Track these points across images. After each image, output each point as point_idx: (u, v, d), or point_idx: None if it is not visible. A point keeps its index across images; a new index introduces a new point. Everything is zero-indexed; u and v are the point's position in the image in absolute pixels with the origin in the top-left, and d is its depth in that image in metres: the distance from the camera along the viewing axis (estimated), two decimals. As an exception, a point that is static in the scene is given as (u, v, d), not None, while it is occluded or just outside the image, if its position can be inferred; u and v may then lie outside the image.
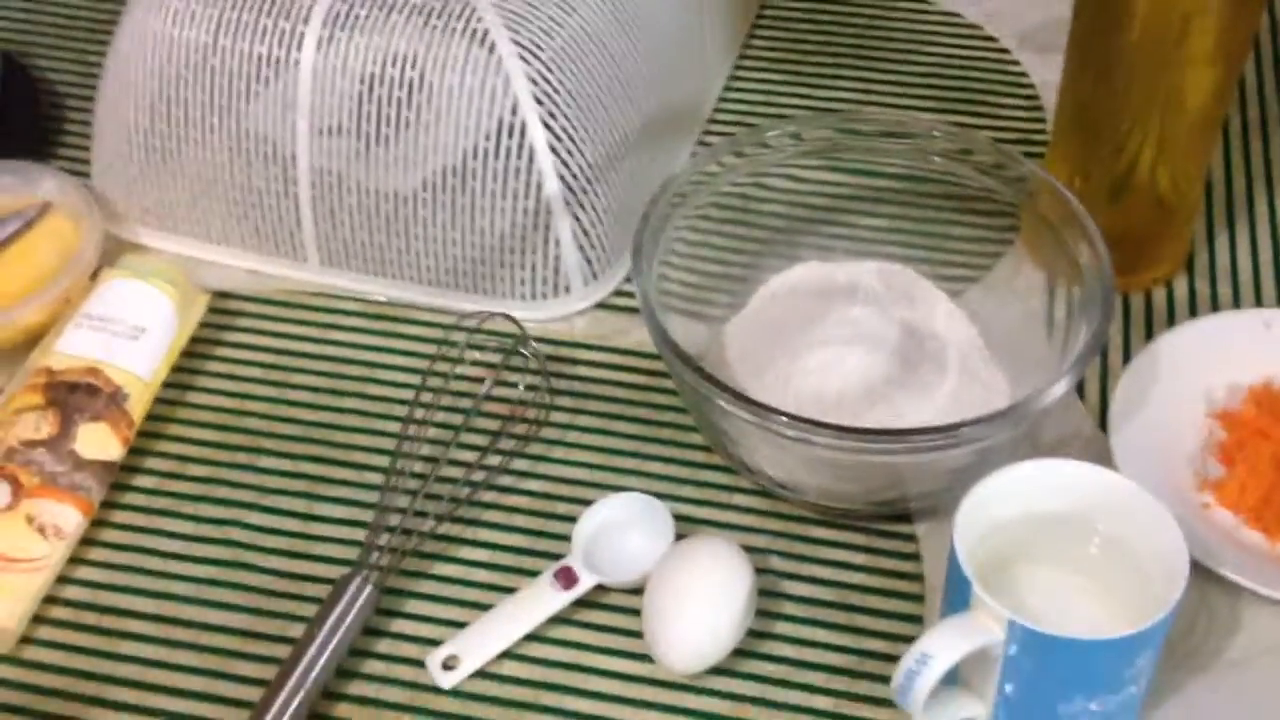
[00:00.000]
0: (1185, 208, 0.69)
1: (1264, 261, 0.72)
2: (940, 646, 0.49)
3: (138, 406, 0.64)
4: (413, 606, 0.59)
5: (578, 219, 0.69)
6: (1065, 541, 0.54)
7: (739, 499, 0.63)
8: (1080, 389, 0.66)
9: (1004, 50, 0.84)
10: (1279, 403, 0.63)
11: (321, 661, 0.56)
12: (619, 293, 0.71)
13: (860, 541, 0.61)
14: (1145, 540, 0.52)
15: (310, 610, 0.58)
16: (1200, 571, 0.58)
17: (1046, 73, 0.81)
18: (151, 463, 0.65)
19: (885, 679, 0.54)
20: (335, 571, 0.59)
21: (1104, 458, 0.59)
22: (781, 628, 0.58)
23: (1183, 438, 0.63)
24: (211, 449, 0.65)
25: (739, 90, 0.82)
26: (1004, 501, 0.53)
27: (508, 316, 0.66)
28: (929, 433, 0.55)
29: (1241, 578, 0.57)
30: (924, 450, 0.55)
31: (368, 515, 0.61)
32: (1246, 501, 0.60)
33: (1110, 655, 0.49)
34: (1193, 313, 0.69)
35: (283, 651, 0.57)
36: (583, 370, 0.68)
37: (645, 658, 0.57)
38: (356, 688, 0.57)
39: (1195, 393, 0.64)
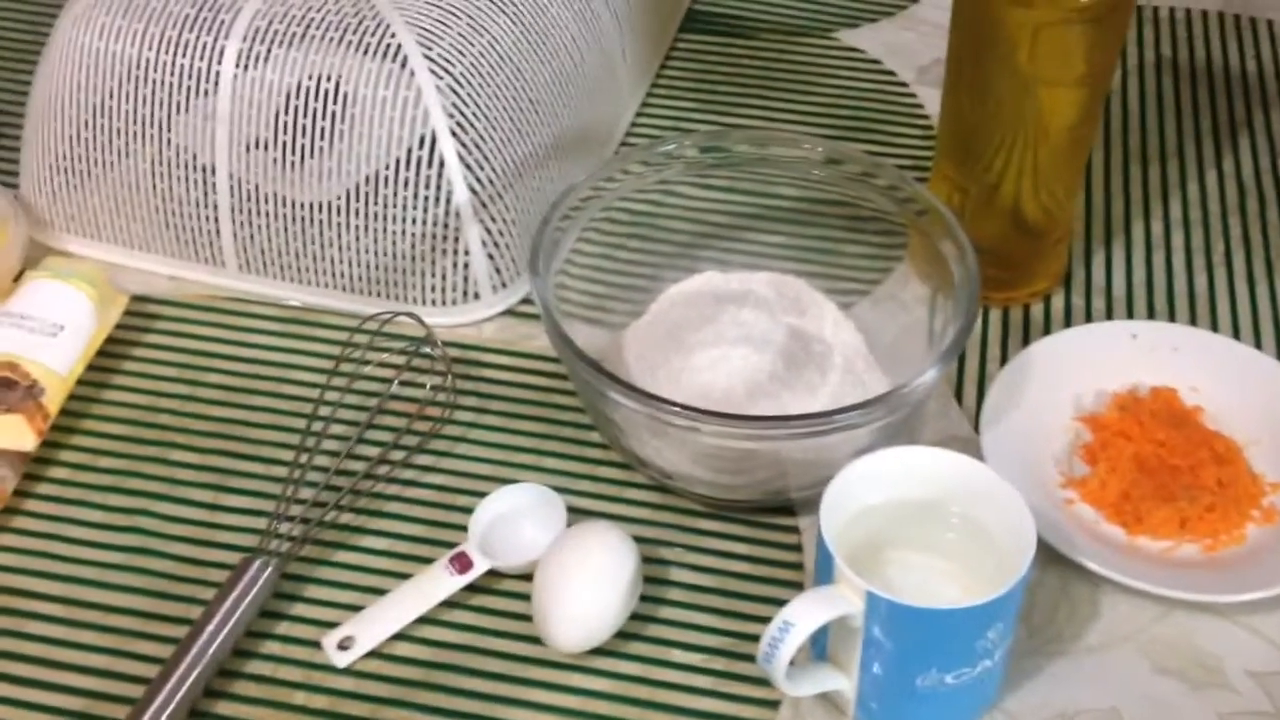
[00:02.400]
0: (1056, 227, 0.73)
1: (1137, 281, 0.76)
2: (801, 614, 0.52)
3: (53, 400, 0.67)
4: (312, 591, 0.62)
5: (487, 228, 0.72)
6: (927, 526, 0.57)
7: (632, 493, 0.66)
8: (959, 395, 0.70)
9: (902, 84, 0.88)
10: (1142, 408, 0.67)
11: (218, 640, 0.58)
12: (527, 301, 0.75)
13: (745, 533, 0.64)
14: (998, 521, 0.55)
15: (213, 595, 0.60)
16: (1063, 563, 0.62)
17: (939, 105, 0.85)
18: (65, 455, 0.67)
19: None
20: (239, 559, 0.61)
21: (977, 457, 0.62)
22: (666, 612, 0.61)
23: (1050, 439, 0.67)
24: (124, 443, 0.67)
25: (651, 115, 0.86)
26: (870, 487, 0.56)
27: (412, 315, 0.69)
28: (806, 419, 0.58)
29: (1101, 568, 0.61)
30: (802, 436, 0.58)
31: (272, 506, 0.64)
32: (1107, 497, 0.64)
33: (961, 625, 0.52)
34: (1068, 325, 0.73)
35: (184, 633, 0.59)
36: (488, 373, 0.71)
37: (535, 640, 0.60)
38: (254, 666, 0.59)
39: (1064, 397, 0.68)
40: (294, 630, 0.60)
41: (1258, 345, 0.72)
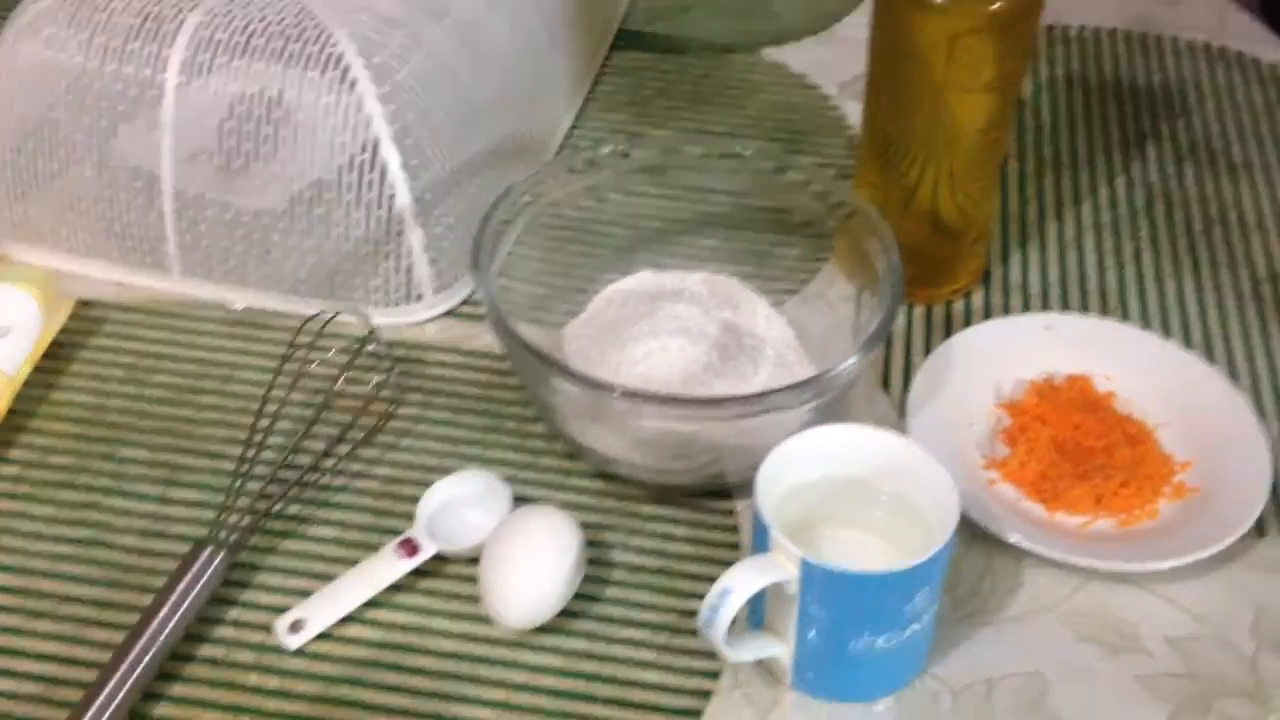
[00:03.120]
0: (974, 227, 0.76)
1: (1052, 279, 0.80)
2: (739, 581, 0.54)
3: (1, 399, 0.67)
4: (262, 578, 0.63)
5: (428, 231, 0.74)
6: (857, 503, 0.60)
7: (575, 480, 0.68)
8: (886, 386, 0.73)
9: (826, 96, 0.92)
10: (1058, 394, 0.70)
11: (170, 625, 0.59)
12: (468, 303, 0.77)
13: (685, 516, 0.66)
14: (925, 496, 0.58)
15: (163, 583, 0.61)
16: (987, 538, 0.65)
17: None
18: (14, 453, 0.68)
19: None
20: (189, 549, 0.63)
21: (902, 439, 0.65)
22: (611, 592, 0.63)
23: (972, 423, 0.70)
24: (73, 440, 0.69)
25: (585, 125, 0.88)
26: (803, 463, 0.59)
27: (356, 311, 0.71)
28: (740, 400, 0.61)
29: (1023, 541, 0.64)
30: (736, 418, 0.61)
31: (221, 499, 0.65)
32: (1027, 477, 0.67)
33: (890, 589, 0.55)
34: (988, 319, 0.76)
35: (135, 620, 0.60)
36: (432, 370, 0.73)
37: (482, 620, 0.62)
38: (206, 650, 0.60)
39: (985, 385, 0.71)
40: (245, 615, 0.62)
41: (1166, 335, 0.76)
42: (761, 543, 0.56)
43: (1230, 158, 0.89)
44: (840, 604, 0.55)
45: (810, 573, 0.54)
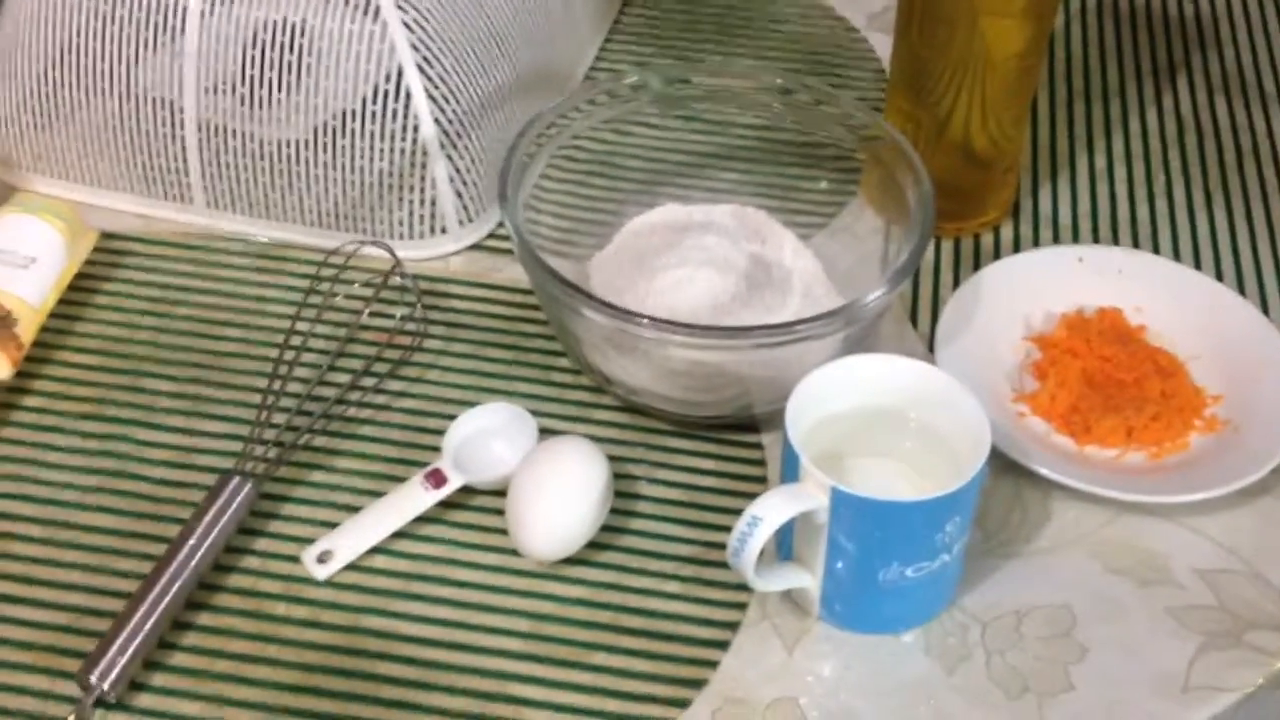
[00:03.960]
0: (1005, 157, 0.75)
1: (1082, 212, 0.79)
2: (769, 509, 0.54)
3: (27, 331, 0.67)
4: (289, 510, 0.63)
5: (453, 162, 0.73)
6: (886, 433, 0.60)
7: (601, 414, 0.67)
8: (914, 318, 0.72)
9: (853, 29, 0.91)
10: (1089, 326, 0.70)
11: (199, 554, 0.59)
12: (493, 235, 0.76)
13: (711, 450, 0.66)
14: (955, 426, 0.58)
15: (191, 513, 0.61)
16: (1016, 470, 0.64)
17: (890, 48, 0.88)
18: (40, 384, 0.68)
19: (729, 566, 0.58)
20: (216, 479, 0.63)
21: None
22: (637, 524, 0.63)
23: (1002, 357, 0.69)
24: (98, 372, 0.68)
25: (609, 58, 0.87)
26: (833, 393, 0.58)
27: (379, 243, 0.71)
28: (769, 329, 0.60)
29: (1052, 473, 0.63)
30: (764, 347, 0.60)
31: (248, 430, 0.65)
32: (1057, 410, 0.66)
33: (921, 517, 0.54)
34: (1017, 253, 0.76)
35: (163, 550, 0.60)
36: (457, 304, 0.73)
37: (509, 551, 0.61)
38: (234, 580, 0.60)
39: (1014, 318, 0.71)
40: (273, 546, 0.62)
41: (1197, 268, 0.75)
42: (791, 472, 0.56)
43: (1263, 89, 0.87)
44: (869, 533, 0.55)
45: (840, 501, 0.54)
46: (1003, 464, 0.64)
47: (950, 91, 0.71)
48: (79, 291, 0.72)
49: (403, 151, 0.72)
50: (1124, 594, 0.61)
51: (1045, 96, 0.85)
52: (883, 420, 0.60)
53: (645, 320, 0.60)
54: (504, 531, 0.62)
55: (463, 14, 0.73)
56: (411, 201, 0.74)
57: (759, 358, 0.62)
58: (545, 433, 0.65)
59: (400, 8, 0.70)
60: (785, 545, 0.59)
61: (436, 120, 0.72)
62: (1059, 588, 0.61)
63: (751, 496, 0.64)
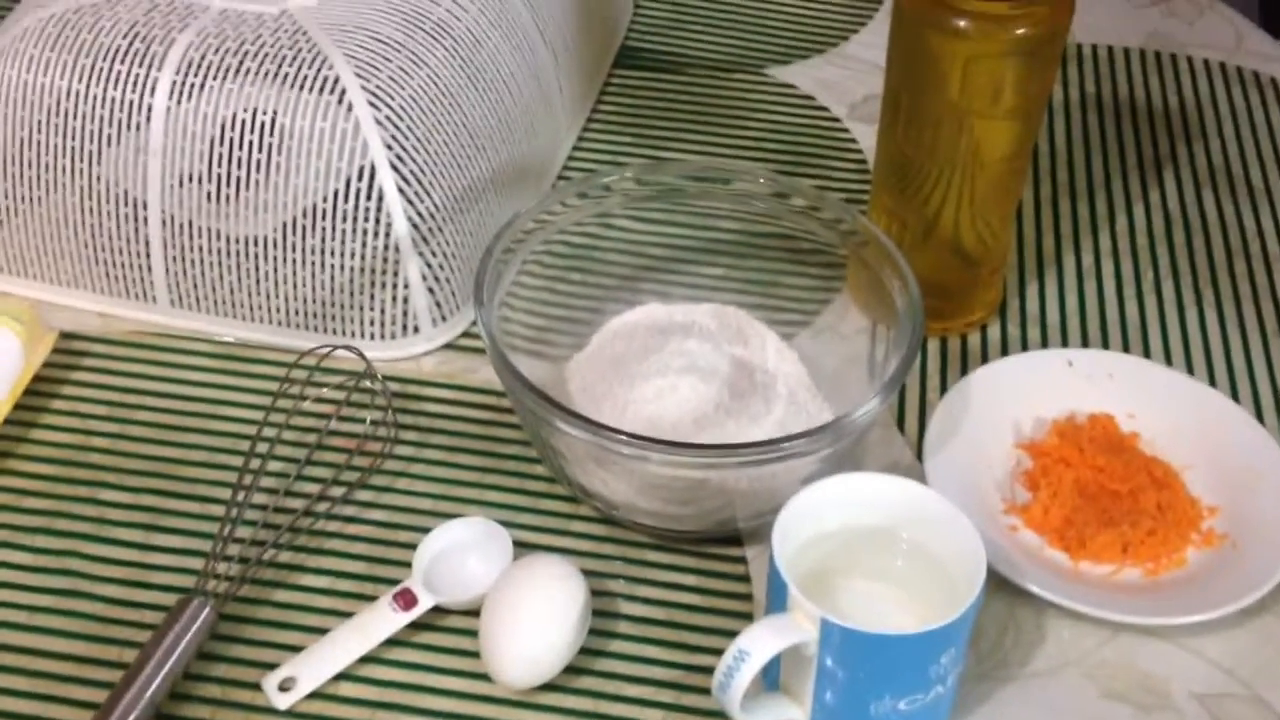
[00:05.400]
0: (992, 257, 0.74)
1: (1070, 310, 0.77)
2: (757, 643, 0.51)
3: (-22, 439, 0.65)
4: (251, 632, 0.60)
5: (426, 261, 0.71)
6: (877, 554, 0.57)
7: (578, 525, 0.65)
8: (901, 424, 0.70)
9: (835, 119, 0.89)
10: (1080, 434, 0.68)
11: (155, 683, 0.56)
12: (467, 334, 0.74)
13: (693, 564, 0.64)
14: (947, 547, 0.56)
15: (148, 637, 0.58)
16: (1009, 589, 0.62)
17: (873, 140, 0.86)
18: (-10, 495, 0.65)
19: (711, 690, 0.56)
20: (175, 600, 0.60)
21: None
22: (616, 645, 0.60)
23: (992, 466, 0.67)
24: (52, 483, 0.66)
25: (587, 149, 0.86)
26: (821, 513, 0.56)
27: (350, 348, 0.68)
28: (754, 447, 0.58)
29: (1047, 593, 0.61)
30: (749, 465, 0.58)
31: (208, 545, 0.62)
32: (1050, 523, 0.64)
33: (914, 651, 0.52)
34: (1004, 354, 0.74)
35: (118, 677, 0.57)
36: (429, 406, 0.70)
37: (482, 677, 0.59)
38: (192, 710, 0.57)
39: (1004, 424, 0.69)
40: (233, 672, 0.59)
41: (1189, 371, 0.73)
42: (778, 600, 0.54)
43: (1250, 182, 0.86)
44: (862, 665, 0.52)
45: (830, 633, 0.52)
46: (995, 581, 0.62)
47: (938, 191, 0.70)
48: (35, 396, 0.69)
49: (374, 250, 0.70)
50: (1122, 720, 0.59)
51: (1030, 193, 0.84)
52: (873, 540, 0.57)
53: (624, 436, 0.57)
54: (477, 655, 0.59)
55: (438, 110, 0.71)
56: (383, 300, 0.71)
57: (743, 474, 0.60)
58: (519, 545, 0.62)
59: (373, 105, 0.68)
60: (771, 674, 0.56)
61: (409, 218, 0.70)
62: (1055, 714, 0.59)
63: (735, 614, 0.62)
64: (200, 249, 0.71)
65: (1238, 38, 0.98)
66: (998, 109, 0.67)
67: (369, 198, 0.69)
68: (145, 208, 0.71)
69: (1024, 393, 0.69)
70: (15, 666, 0.58)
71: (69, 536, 0.63)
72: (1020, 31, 0.64)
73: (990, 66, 0.66)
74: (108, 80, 0.70)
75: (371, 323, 0.72)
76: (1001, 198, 0.71)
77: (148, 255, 0.72)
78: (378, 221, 0.69)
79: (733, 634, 0.60)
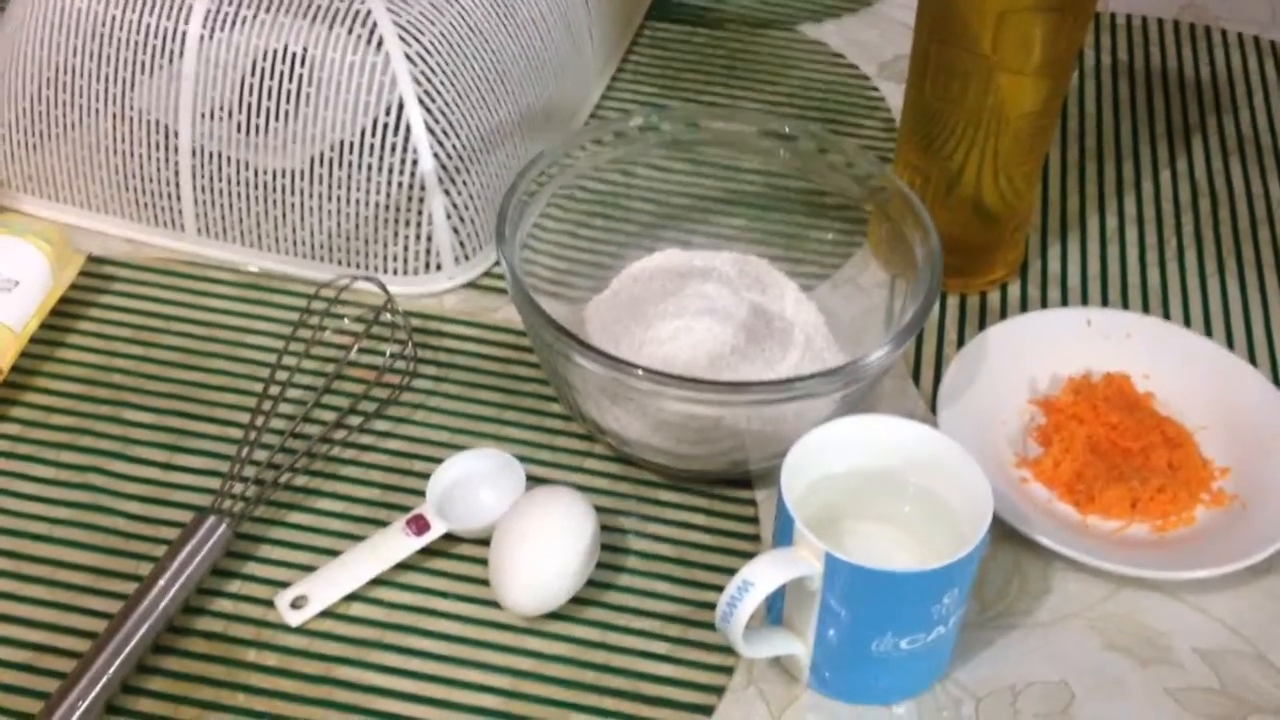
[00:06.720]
0: (1015, 215, 0.74)
1: (1092, 272, 0.77)
2: (760, 574, 0.52)
3: (6, 356, 0.66)
4: (265, 551, 0.61)
5: (451, 199, 0.72)
6: (884, 496, 0.58)
7: (591, 463, 0.66)
8: (916, 378, 0.71)
9: (864, 77, 0.89)
10: (1095, 392, 0.68)
11: (168, 595, 0.57)
12: (489, 274, 0.75)
13: (703, 504, 0.64)
14: (955, 492, 0.56)
15: (164, 551, 0.59)
16: (1016, 539, 0.62)
17: (900, 99, 0.86)
18: (16, 411, 0.66)
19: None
20: (192, 517, 0.61)
21: (931, 432, 0.63)
22: (623, 579, 0.61)
23: (1005, 420, 0.67)
24: (77, 400, 0.67)
25: (616, 97, 0.86)
26: (831, 454, 0.57)
27: (370, 278, 0.69)
28: (768, 385, 0.58)
29: (1054, 544, 0.61)
30: (762, 404, 0.59)
31: (227, 466, 0.63)
32: (1060, 477, 0.65)
33: (918, 589, 0.52)
34: (1024, 313, 0.74)
35: (133, 590, 0.58)
36: (449, 343, 0.71)
37: (491, 604, 0.59)
38: (205, 623, 0.58)
39: (1019, 380, 0.69)
40: (246, 589, 0.60)
41: (1208, 335, 0.73)
42: (784, 535, 0.54)
43: (1278, 153, 0.86)
44: (864, 603, 0.53)
45: (834, 568, 0.52)
46: (1003, 531, 0.62)
47: (962, 146, 0.70)
48: (62, 316, 0.70)
49: (400, 185, 0.70)
50: (1124, 672, 0.59)
51: (1057, 155, 0.84)
52: (881, 483, 0.58)
53: (640, 371, 0.58)
54: (486, 582, 0.60)
55: (468, 49, 0.71)
56: (407, 237, 0.72)
57: (756, 413, 0.60)
58: (533, 480, 0.63)
59: (403, 40, 0.69)
60: (775, 609, 0.57)
61: (436, 155, 0.70)
62: (1057, 663, 0.59)
63: (744, 555, 0.62)
64: (229, 180, 0.72)
65: (1273, 12, 0.97)
66: (1027, 64, 0.67)
67: (396, 133, 0.69)
68: (176, 137, 0.72)
69: (1041, 349, 0.70)
70: (36, 576, 0.59)
71: (92, 453, 0.64)
72: (1050, -15, 0.64)
73: (1022, 20, 0.65)
74: (144, 7, 0.71)
75: (395, 258, 0.72)
76: (1025, 155, 0.71)
77: (177, 184, 0.73)
78: (404, 158, 0.70)
79: (739, 571, 0.61)
